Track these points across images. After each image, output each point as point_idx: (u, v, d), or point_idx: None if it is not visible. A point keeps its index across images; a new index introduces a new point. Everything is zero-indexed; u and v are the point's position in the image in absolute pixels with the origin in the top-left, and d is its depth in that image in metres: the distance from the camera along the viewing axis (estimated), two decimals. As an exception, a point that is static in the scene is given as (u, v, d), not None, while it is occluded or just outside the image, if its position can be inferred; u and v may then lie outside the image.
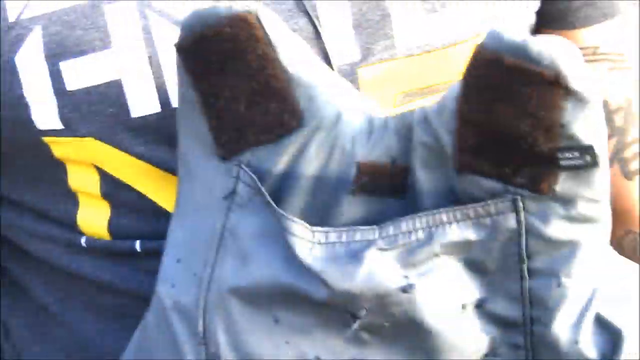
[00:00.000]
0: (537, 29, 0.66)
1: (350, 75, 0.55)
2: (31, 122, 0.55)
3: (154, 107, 0.54)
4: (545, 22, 0.65)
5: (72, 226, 0.60)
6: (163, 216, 0.56)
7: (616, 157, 0.67)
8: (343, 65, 0.55)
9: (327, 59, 0.55)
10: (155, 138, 0.55)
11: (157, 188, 0.57)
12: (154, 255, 0.55)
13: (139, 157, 0.56)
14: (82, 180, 0.58)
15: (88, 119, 0.55)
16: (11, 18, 0.54)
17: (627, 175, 0.67)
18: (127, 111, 0.54)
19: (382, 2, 0.54)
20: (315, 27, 0.54)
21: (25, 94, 0.54)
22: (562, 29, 0.65)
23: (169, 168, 0.56)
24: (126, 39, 0.53)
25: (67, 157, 0.56)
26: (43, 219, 0.58)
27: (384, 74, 0.57)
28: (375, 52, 0.56)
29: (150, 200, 0.57)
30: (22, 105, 0.55)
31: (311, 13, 0.54)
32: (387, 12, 0.55)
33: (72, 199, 0.59)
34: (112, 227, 0.59)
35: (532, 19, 0.65)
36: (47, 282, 0.61)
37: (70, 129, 0.55)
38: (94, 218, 0.59)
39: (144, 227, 0.58)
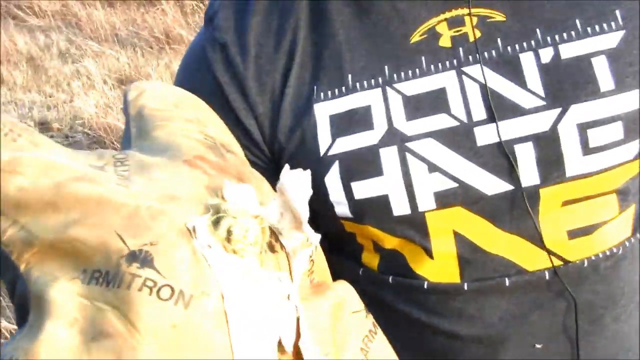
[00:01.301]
0: None
1: (534, 193, 0.76)
2: (335, 213, 0.80)
3: (406, 210, 0.77)
4: None
5: (357, 261, 0.86)
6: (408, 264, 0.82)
7: None
8: (528, 186, 0.75)
9: (518, 182, 0.75)
10: (406, 224, 0.78)
11: (404, 247, 0.81)
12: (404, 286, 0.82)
13: (397, 236, 0.79)
14: (364, 241, 0.84)
15: (367, 216, 0.79)
16: (321, 153, 0.79)
17: None
18: (391, 211, 0.77)
19: (559, 146, 0.74)
20: (511, 163, 0.75)
21: (331, 199, 0.79)
22: None
23: (410, 239, 0.79)
24: (392, 170, 0.76)
25: (354, 232, 0.83)
26: (335, 253, 0.82)
27: (555, 192, 0.76)
28: (550, 179, 0.75)
29: (402, 255, 0.82)
30: (329, 205, 0.80)
31: (509, 153, 0.75)
32: (561, 153, 0.74)
33: (359, 247, 0.85)
34: (379, 266, 0.84)
35: None
36: None
37: (356, 220, 0.80)
38: (370, 259, 0.84)
39: (395, 269, 0.82)
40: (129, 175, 0.60)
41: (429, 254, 0.79)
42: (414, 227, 0.78)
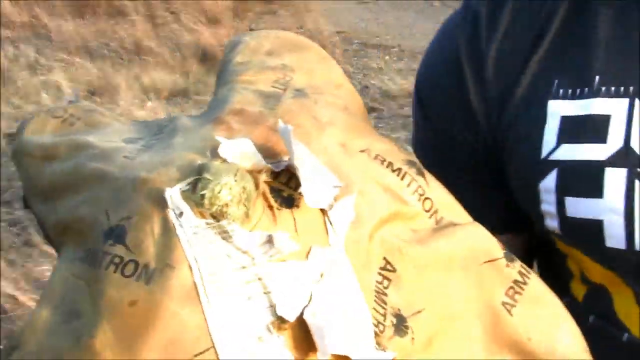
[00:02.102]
0: None
1: None
2: (544, 224, 0.71)
3: (621, 244, 0.65)
4: None
5: (566, 288, 0.75)
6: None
7: None
8: None
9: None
10: (618, 260, 0.67)
11: (612, 284, 0.71)
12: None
13: (606, 268, 0.69)
14: (574, 267, 0.74)
15: (576, 238, 0.69)
16: (542, 155, 0.69)
17: None
18: (603, 241, 0.66)
19: None
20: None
21: (542, 209, 0.70)
22: None
23: (620, 276, 0.69)
24: (614, 195, 0.65)
25: (566, 253, 0.73)
26: (547, 275, 0.74)
27: None
28: None
29: (609, 293, 0.71)
30: (539, 214, 0.71)
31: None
32: None
33: (569, 273, 0.74)
34: (584, 298, 0.74)
35: None
36: None
37: (565, 238, 0.70)
38: (578, 289, 0.74)
39: (598, 307, 0.72)
40: (154, 144, 0.57)
41: (638, 300, 0.67)
42: (627, 265, 0.67)
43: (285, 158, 0.53)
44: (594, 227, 0.66)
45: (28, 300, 2.93)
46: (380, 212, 0.56)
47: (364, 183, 0.56)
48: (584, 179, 0.66)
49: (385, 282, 0.53)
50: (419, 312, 0.53)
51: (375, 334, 0.50)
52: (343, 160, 0.57)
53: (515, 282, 0.58)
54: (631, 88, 0.66)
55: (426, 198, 0.59)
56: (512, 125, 0.72)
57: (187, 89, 6.00)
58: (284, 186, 0.52)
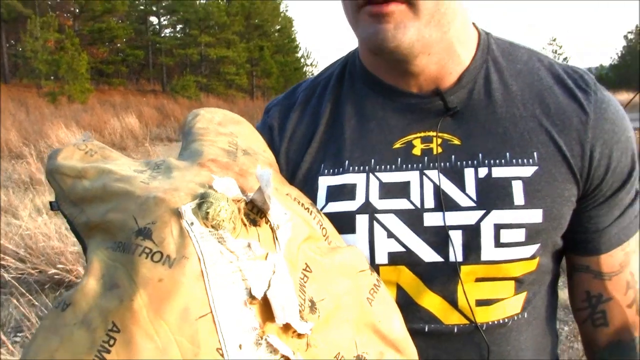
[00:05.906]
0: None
1: (457, 268, 0.70)
2: None
3: (384, 260, 0.71)
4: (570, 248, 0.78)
5: None
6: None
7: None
8: (453, 262, 0.70)
9: (447, 257, 0.70)
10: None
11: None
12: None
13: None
14: None
15: None
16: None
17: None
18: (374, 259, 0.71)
19: (479, 237, 0.70)
20: (444, 242, 0.70)
21: None
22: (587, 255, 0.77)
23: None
24: (362, 231, 0.71)
25: None
26: None
27: (471, 270, 0.70)
28: (469, 260, 0.70)
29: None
30: None
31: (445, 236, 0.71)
32: (480, 243, 0.70)
33: None
34: None
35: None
36: None
37: None
38: None
39: None
40: (157, 176, 0.60)
41: (399, 291, 0.73)
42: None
43: (250, 193, 0.57)
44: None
45: None
46: (302, 234, 0.60)
47: (293, 215, 0.60)
48: (343, 223, 0.72)
49: (305, 279, 0.57)
50: (322, 299, 0.57)
51: (299, 311, 0.54)
52: (279, 199, 0.61)
53: (374, 285, 0.64)
54: (367, 167, 0.75)
55: (323, 227, 0.65)
56: None
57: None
58: (250, 212, 0.55)
